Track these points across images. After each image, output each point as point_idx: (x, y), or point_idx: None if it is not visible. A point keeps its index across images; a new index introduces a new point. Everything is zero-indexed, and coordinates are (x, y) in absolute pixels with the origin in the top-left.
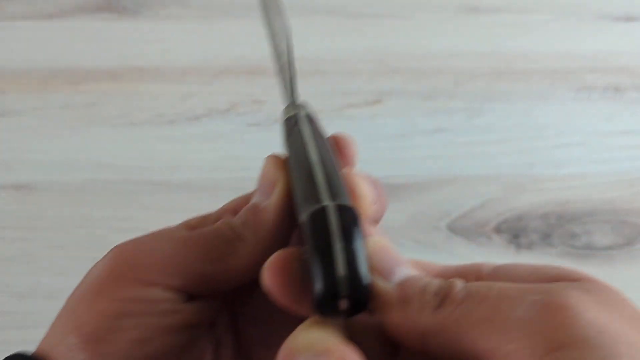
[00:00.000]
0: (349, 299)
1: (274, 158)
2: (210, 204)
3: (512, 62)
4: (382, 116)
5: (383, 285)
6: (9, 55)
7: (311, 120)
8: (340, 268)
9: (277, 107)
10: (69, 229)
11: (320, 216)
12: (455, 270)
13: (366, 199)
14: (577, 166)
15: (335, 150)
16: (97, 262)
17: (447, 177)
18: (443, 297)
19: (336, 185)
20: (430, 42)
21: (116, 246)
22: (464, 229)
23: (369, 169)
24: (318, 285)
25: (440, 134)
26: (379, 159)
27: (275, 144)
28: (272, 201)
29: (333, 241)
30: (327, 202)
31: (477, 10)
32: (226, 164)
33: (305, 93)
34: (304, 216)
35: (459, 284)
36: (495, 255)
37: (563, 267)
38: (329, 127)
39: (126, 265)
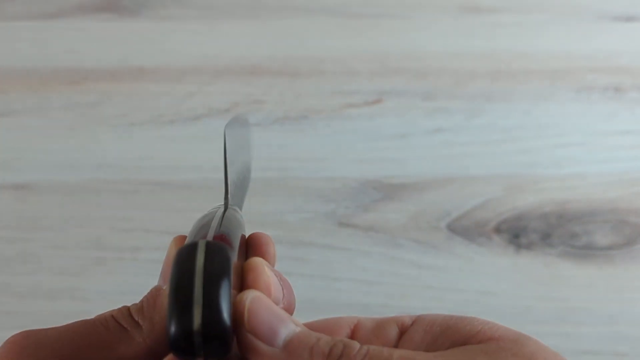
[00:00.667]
0: (206, 342)
1: (178, 239)
2: (210, 204)
3: (512, 62)
4: (382, 116)
5: (267, 349)
6: (9, 55)
7: (235, 212)
8: (197, 308)
9: (277, 107)
10: (69, 229)
11: (187, 251)
12: (377, 322)
13: (268, 289)
14: (577, 166)
15: (253, 246)
16: None
17: (447, 177)
18: (338, 357)
19: (226, 236)
20: (430, 42)
21: (10, 337)
22: (464, 229)
23: (369, 169)
24: (172, 326)
25: (440, 134)
26: (379, 159)
27: (275, 144)
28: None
29: (193, 276)
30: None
31: (477, 10)
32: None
33: (305, 93)
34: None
35: (356, 344)
36: (495, 255)
37: (478, 322)
38: (329, 127)
39: (15, 357)
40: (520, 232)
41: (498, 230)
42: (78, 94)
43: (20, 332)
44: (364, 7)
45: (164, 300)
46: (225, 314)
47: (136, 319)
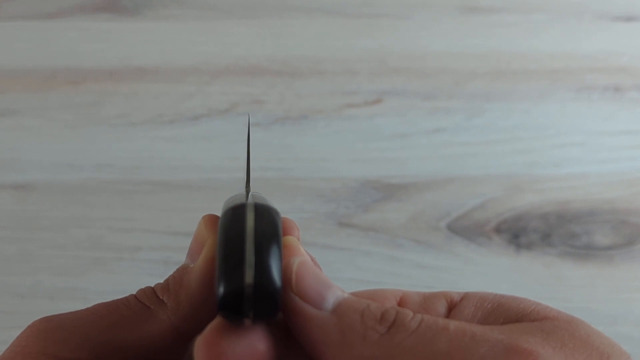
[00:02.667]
0: (256, 302)
1: (207, 217)
2: (210, 204)
3: (512, 62)
4: (382, 116)
5: (315, 312)
6: (9, 55)
7: (260, 194)
8: (249, 266)
9: (277, 107)
10: (69, 229)
11: (237, 211)
12: (424, 296)
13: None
14: (577, 166)
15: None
16: (13, 341)
17: (447, 177)
18: (391, 322)
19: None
20: (430, 42)
21: (31, 323)
22: (464, 229)
23: (369, 169)
24: (222, 285)
25: (440, 134)
26: (379, 159)
27: (275, 144)
28: (198, 262)
29: (244, 236)
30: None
31: (477, 10)
32: (226, 164)
33: (306, 93)
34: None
35: (409, 311)
36: (495, 255)
37: (530, 302)
38: (329, 127)
39: (34, 341)
40: (520, 232)
41: (498, 230)
42: (78, 94)
43: (40, 318)
44: (364, 7)
45: (191, 278)
46: (277, 274)
47: (161, 297)
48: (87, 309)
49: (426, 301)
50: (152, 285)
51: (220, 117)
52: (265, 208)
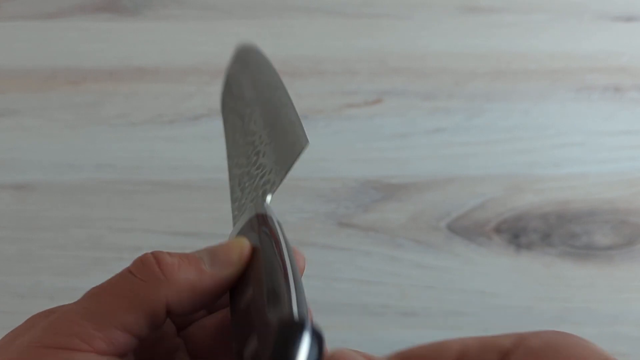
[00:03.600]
0: None
1: (248, 246)
2: (210, 204)
3: (512, 62)
4: (382, 116)
5: None
6: (9, 55)
7: (278, 225)
8: None
9: None
10: (69, 229)
11: (294, 334)
12: (480, 348)
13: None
14: (577, 166)
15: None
16: (8, 332)
17: (447, 177)
18: None
19: (301, 295)
20: (430, 42)
21: (30, 317)
22: (464, 229)
23: (369, 169)
24: None
25: (440, 134)
26: (379, 159)
27: None
28: (221, 273)
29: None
30: (301, 318)
31: (477, 10)
32: (226, 164)
33: (306, 93)
34: (272, 318)
35: None
36: (495, 255)
37: (575, 348)
38: (329, 127)
39: (49, 334)
40: (520, 232)
41: (498, 230)
42: (78, 94)
43: (39, 312)
44: (364, 7)
45: (206, 276)
46: None
47: (162, 268)
48: (79, 300)
49: (480, 355)
50: (153, 254)
51: (220, 117)
52: (318, 337)
